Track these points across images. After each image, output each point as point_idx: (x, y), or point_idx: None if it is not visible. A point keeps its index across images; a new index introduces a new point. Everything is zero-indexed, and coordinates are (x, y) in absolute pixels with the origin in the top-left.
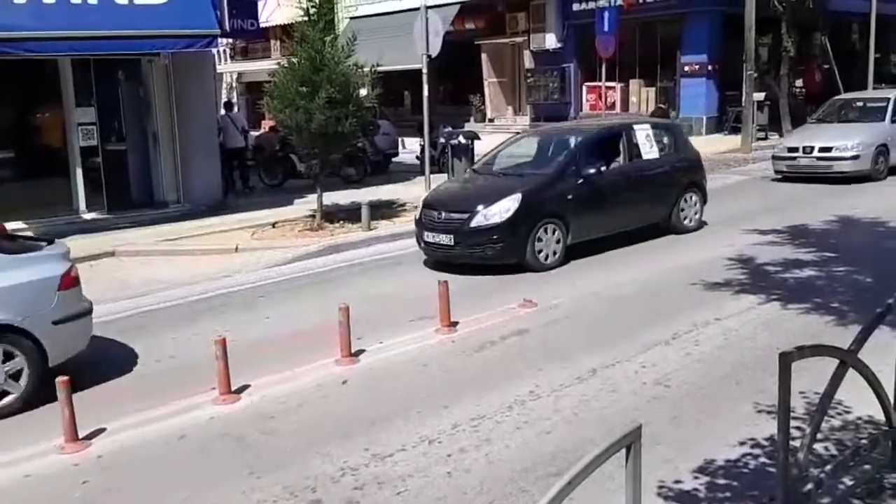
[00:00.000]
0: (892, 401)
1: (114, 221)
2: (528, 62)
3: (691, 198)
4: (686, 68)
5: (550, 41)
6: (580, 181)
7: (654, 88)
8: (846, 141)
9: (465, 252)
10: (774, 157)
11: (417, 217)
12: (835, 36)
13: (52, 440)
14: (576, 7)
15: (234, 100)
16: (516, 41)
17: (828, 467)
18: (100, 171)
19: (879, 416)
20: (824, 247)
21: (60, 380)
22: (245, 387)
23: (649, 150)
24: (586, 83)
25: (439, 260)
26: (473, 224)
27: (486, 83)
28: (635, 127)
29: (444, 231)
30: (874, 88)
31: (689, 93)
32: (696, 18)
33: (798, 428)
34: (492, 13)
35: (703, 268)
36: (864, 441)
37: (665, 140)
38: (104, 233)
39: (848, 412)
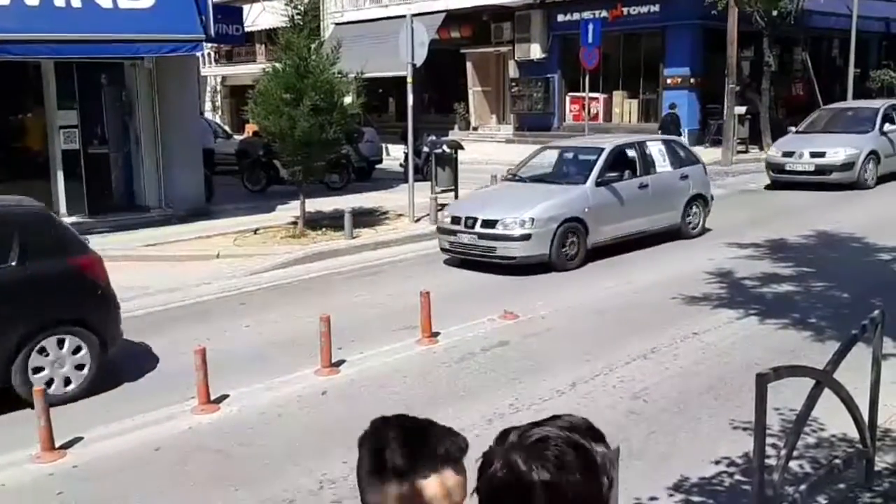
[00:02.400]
0: (866, 420)
1: (94, 225)
2: (513, 72)
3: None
4: (669, 80)
5: (535, 51)
6: None
7: (637, 100)
8: (517, 212)
9: None
10: (440, 230)
11: None
12: (816, 51)
13: (27, 449)
14: (560, 18)
15: (218, 103)
16: (501, 51)
17: (802, 486)
18: (81, 174)
19: (854, 433)
20: (802, 262)
21: (36, 389)
22: (224, 396)
23: None
24: (570, 94)
25: None
26: None
27: (470, 92)
28: None
29: None
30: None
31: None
32: (678, 31)
33: (774, 445)
34: (477, 22)
35: (682, 282)
36: (838, 460)
37: None
38: (84, 237)
39: (823, 429)
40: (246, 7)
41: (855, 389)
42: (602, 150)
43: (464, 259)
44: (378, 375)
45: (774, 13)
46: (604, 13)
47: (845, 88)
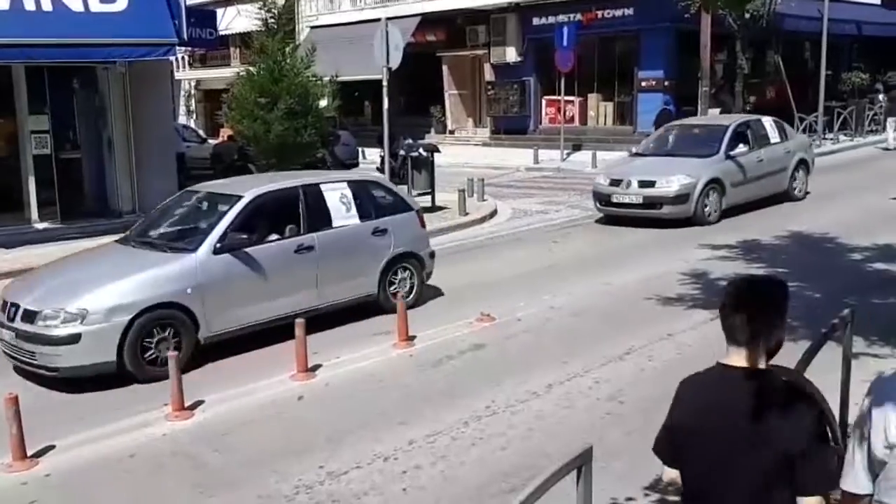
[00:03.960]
0: (837, 418)
1: (67, 231)
2: (489, 75)
3: None
4: (643, 83)
5: (510, 55)
6: None
7: (612, 103)
8: (66, 300)
9: None
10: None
11: None
12: (788, 54)
13: None
14: (535, 21)
15: (192, 107)
16: (477, 54)
17: None
18: (53, 179)
19: None
20: (775, 262)
21: (7, 396)
22: (199, 402)
23: None
24: (546, 97)
25: None
26: None
27: (446, 95)
28: None
29: None
30: (825, 105)
31: (646, 108)
32: (652, 35)
33: None
34: (452, 26)
35: (657, 283)
36: None
37: None
38: (57, 243)
39: None
40: (220, 10)
41: (826, 390)
42: (239, 198)
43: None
44: (354, 380)
45: (747, 16)
46: (578, 16)
47: (817, 90)
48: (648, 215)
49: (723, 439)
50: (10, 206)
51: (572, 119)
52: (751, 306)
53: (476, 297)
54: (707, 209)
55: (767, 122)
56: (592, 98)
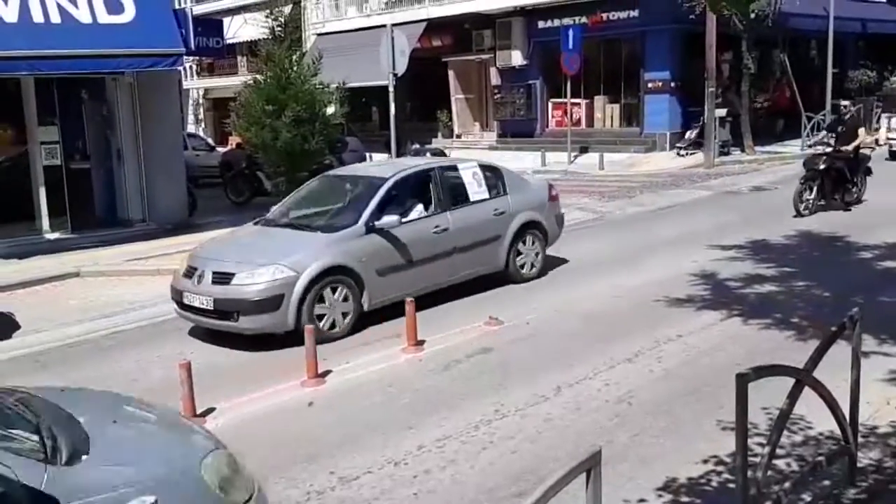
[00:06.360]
0: (847, 417)
1: (78, 241)
2: (495, 79)
3: None
4: (650, 85)
5: (516, 58)
6: None
7: (618, 105)
8: None
9: None
10: None
11: None
12: (795, 53)
13: None
14: (541, 25)
15: (201, 116)
16: (483, 58)
17: (787, 484)
18: (63, 190)
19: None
20: (784, 262)
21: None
22: (210, 410)
23: None
24: (552, 99)
25: None
26: None
27: (453, 99)
28: None
29: None
30: (832, 104)
31: (652, 109)
32: (657, 36)
33: (760, 444)
34: (458, 31)
35: (666, 284)
36: (821, 457)
37: None
38: (68, 253)
39: (811, 428)
40: (226, 20)
41: (837, 388)
42: None
43: None
44: (364, 385)
45: (752, 16)
46: (583, 19)
47: (824, 89)
48: (223, 328)
49: None
50: (21, 217)
51: (579, 121)
52: None
53: (484, 300)
54: (323, 318)
55: (467, 170)
56: (599, 100)
